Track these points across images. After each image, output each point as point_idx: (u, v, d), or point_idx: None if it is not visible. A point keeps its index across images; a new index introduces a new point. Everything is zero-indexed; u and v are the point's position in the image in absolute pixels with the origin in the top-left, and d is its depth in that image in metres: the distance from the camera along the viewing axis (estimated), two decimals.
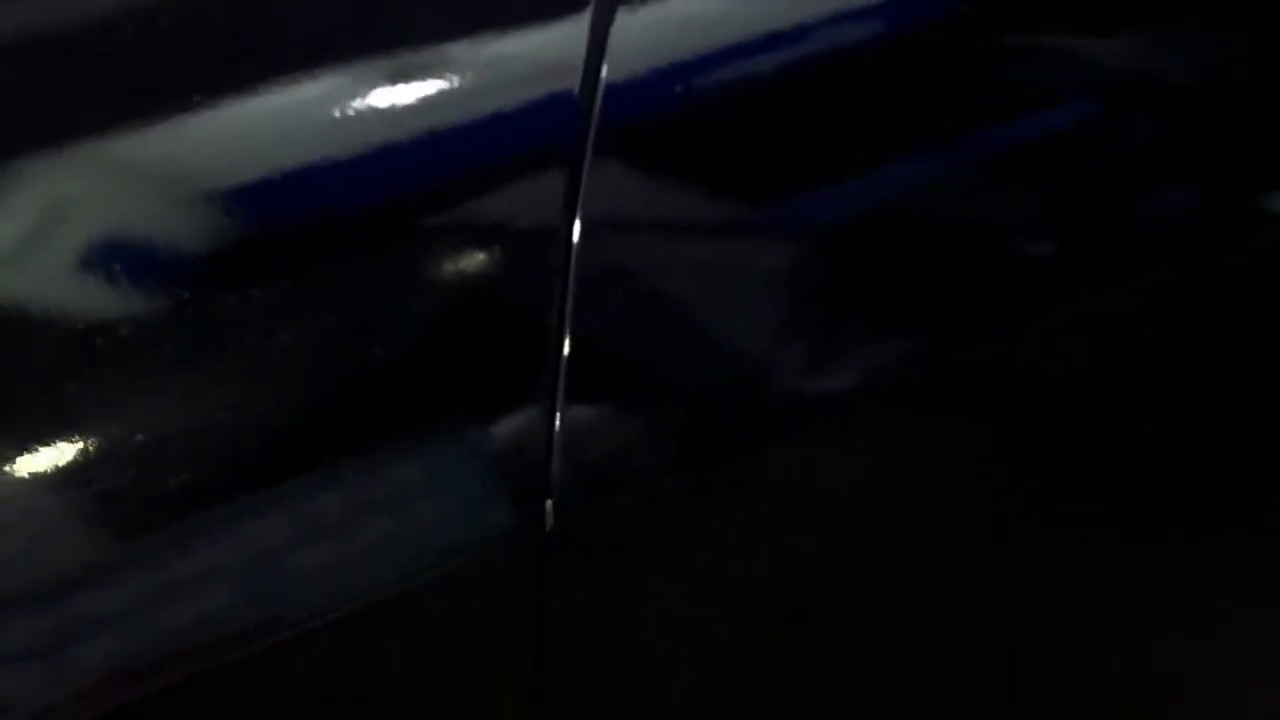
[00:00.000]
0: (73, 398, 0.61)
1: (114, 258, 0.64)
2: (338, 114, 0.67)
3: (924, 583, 0.79)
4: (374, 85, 0.68)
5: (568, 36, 0.70)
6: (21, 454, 0.60)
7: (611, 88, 0.69)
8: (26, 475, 0.60)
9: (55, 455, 0.60)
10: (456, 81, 0.69)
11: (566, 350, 0.66)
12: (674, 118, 0.70)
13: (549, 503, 0.66)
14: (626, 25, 0.70)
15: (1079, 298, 0.77)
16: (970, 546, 0.79)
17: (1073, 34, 0.79)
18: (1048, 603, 0.84)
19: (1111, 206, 0.79)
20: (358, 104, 0.68)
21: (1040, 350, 0.78)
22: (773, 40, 0.72)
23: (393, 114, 0.67)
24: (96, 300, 0.63)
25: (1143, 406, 0.82)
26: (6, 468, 0.60)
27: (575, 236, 0.67)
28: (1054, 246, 0.78)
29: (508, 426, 0.65)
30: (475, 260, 0.66)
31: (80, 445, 0.60)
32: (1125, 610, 0.88)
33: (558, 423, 0.65)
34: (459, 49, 0.70)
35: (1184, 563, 0.89)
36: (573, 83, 0.69)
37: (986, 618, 0.82)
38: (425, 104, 0.68)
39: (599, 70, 0.69)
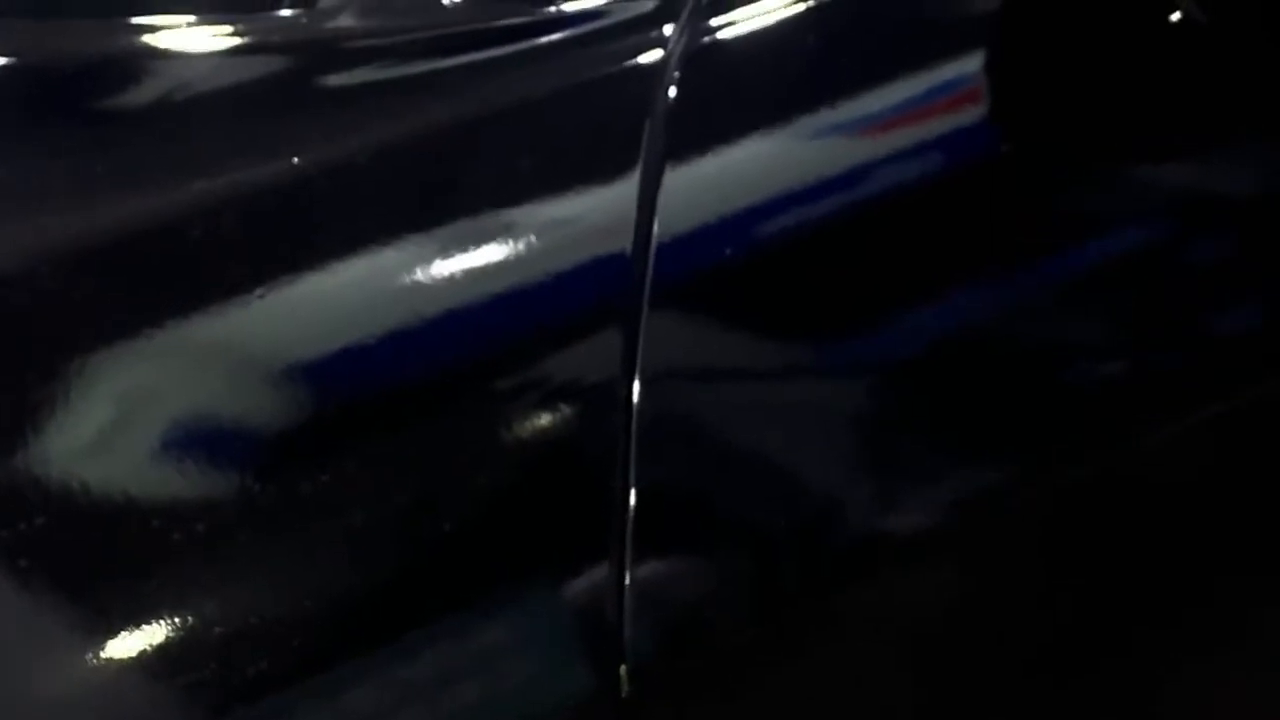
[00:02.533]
0: (150, 591, 0.62)
1: (189, 444, 0.65)
2: (395, 289, 0.68)
3: (1011, 704, 0.78)
4: (431, 259, 0.69)
5: (618, 197, 0.71)
6: (102, 651, 0.61)
7: (662, 245, 0.70)
8: (112, 669, 0.61)
9: (135, 650, 0.61)
10: (512, 251, 0.70)
11: (632, 507, 0.66)
12: (725, 272, 0.71)
13: (623, 668, 0.66)
14: (674, 183, 0.71)
15: (1147, 426, 0.77)
16: (1035, 682, 0.79)
17: (1126, 160, 0.79)
18: None
19: (1178, 332, 0.79)
20: (414, 278, 0.69)
21: (1107, 480, 0.77)
22: (819, 187, 0.73)
23: (450, 286, 0.69)
24: (167, 491, 0.64)
25: (1219, 529, 0.81)
26: (92, 661, 0.61)
27: (635, 393, 0.67)
28: (1121, 373, 0.77)
29: (578, 590, 0.66)
30: (538, 423, 0.67)
31: (159, 639, 0.61)
32: None
33: (627, 582, 0.66)
34: (512, 218, 0.71)
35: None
36: (625, 243, 0.70)
37: None
38: (482, 274, 0.69)
39: (650, 228, 0.70)
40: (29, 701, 0.61)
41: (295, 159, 0.74)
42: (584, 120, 0.76)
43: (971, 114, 0.76)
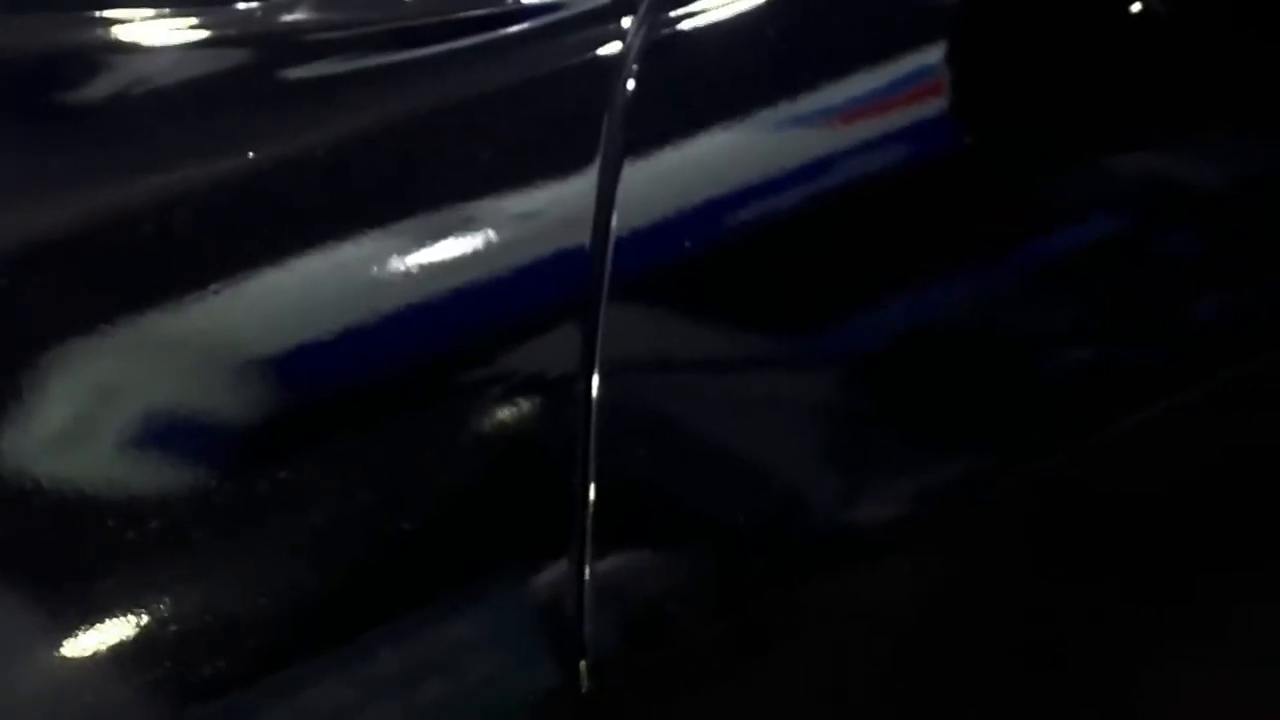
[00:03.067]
0: (106, 590, 0.62)
1: (147, 441, 0.65)
2: (353, 285, 0.68)
3: (966, 711, 0.78)
4: (388, 254, 0.69)
5: (577, 191, 0.71)
6: (66, 642, 0.60)
7: (621, 239, 0.70)
8: (68, 668, 0.60)
9: (96, 645, 0.61)
10: (470, 244, 0.70)
11: (592, 502, 0.66)
12: (685, 263, 0.71)
13: (583, 664, 0.66)
14: (633, 176, 0.71)
15: (1118, 415, 0.77)
16: (1010, 674, 0.79)
17: (1092, 150, 0.79)
18: None
19: (1147, 321, 0.79)
20: (373, 273, 0.69)
21: (1080, 469, 0.77)
22: (781, 181, 0.73)
23: (408, 281, 0.68)
24: (132, 485, 0.64)
25: (1195, 520, 0.81)
26: (48, 660, 0.60)
27: (595, 387, 0.67)
28: (1090, 362, 0.78)
29: (538, 585, 0.65)
30: (497, 418, 0.67)
31: (115, 638, 0.61)
32: None
33: (588, 577, 0.65)
34: (470, 212, 0.71)
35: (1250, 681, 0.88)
36: (584, 237, 0.70)
37: None
38: (439, 269, 0.69)
39: (609, 222, 0.70)
40: (22, 682, 0.60)
41: (250, 154, 0.73)
42: (542, 113, 0.75)
43: (933, 106, 0.76)
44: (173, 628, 0.61)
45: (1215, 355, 0.80)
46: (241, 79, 0.82)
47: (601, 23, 0.78)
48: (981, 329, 0.75)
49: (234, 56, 0.83)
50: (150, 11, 0.83)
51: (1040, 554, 0.78)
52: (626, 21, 0.77)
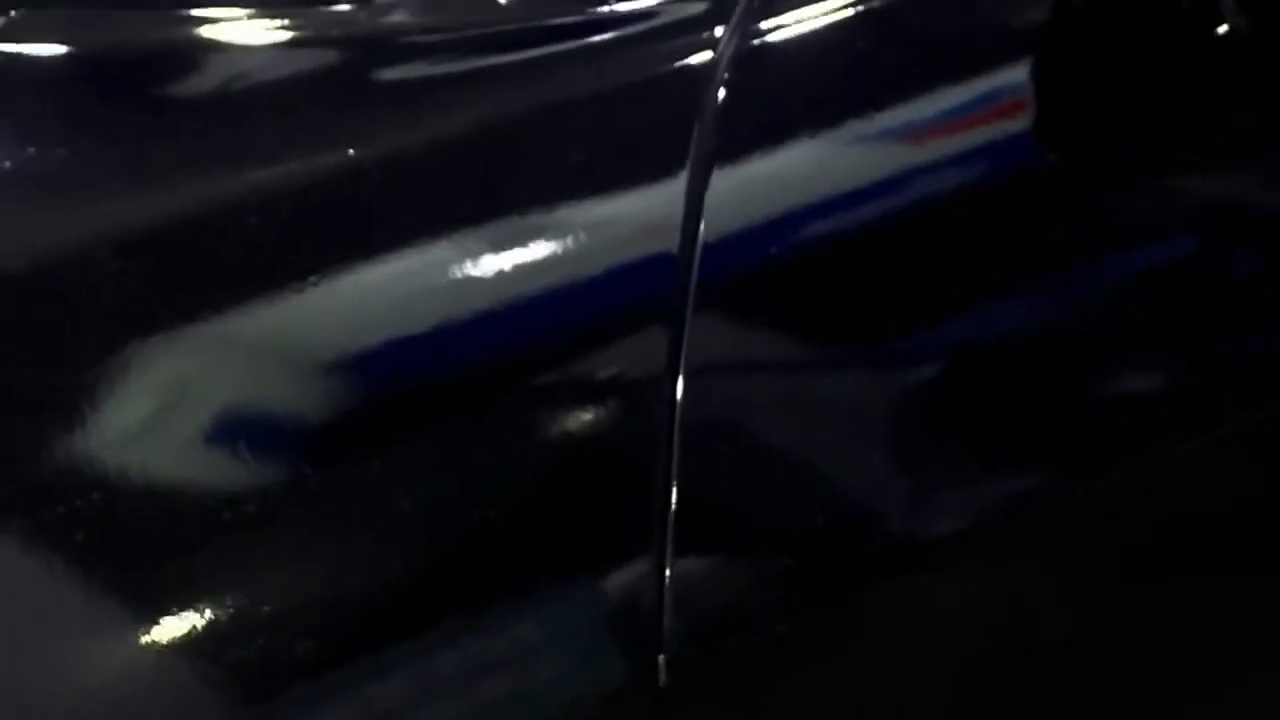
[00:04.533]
0: (200, 569, 0.63)
1: (228, 434, 0.66)
2: (444, 282, 0.69)
3: (1036, 711, 0.79)
4: (479, 254, 0.70)
5: (666, 197, 0.72)
6: (153, 626, 0.62)
7: (709, 246, 0.71)
8: (158, 647, 0.62)
9: (185, 626, 0.62)
10: (560, 246, 0.71)
11: (674, 503, 0.67)
12: (772, 272, 0.72)
13: (661, 658, 0.67)
14: (721, 184, 0.72)
15: (1184, 436, 0.78)
16: (1074, 686, 0.79)
17: (1167, 171, 0.79)
18: None
19: (1216, 344, 0.79)
20: (464, 271, 0.70)
21: (1144, 488, 0.78)
22: (864, 192, 0.74)
23: (498, 281, 0.70)
24: (214, 475, 0.65)
25: (1253, 544, 0.82)
26: (139, 640, 0.62)
27: (679, 390, 0.68)
28: (1156, 384, 0.78)
29: (618, 582, 0.67)
30: (583, 418, 0.68)
31: (208, 617, 0.62)
32: None
33: (668, 575, 0.67)
34: (561, 214, 0.72)
35: None
36: (672, 242, 0.71)
37: None
38: (530, 270, 0.70)
39: (697, 228, 0.71)
40: (83, 674, 0.62)
41: (351, 151, 0.75)
42: (634, 119, 0.76)
43: (1017, 123, 0.77)
44: (264, 609, 0.63)
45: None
46: (340, 79, 0.83)
47: (694, 31, 0.78)
48: (1052, 346, 0.76)
49: (333, 56, 0.85)
50: (252, 10, 0.85)
51: (1099, 572, 0.78)
52: (719, 30, 0.77)
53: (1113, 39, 0.78)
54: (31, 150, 0.78)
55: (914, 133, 0.76)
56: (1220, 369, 0.80)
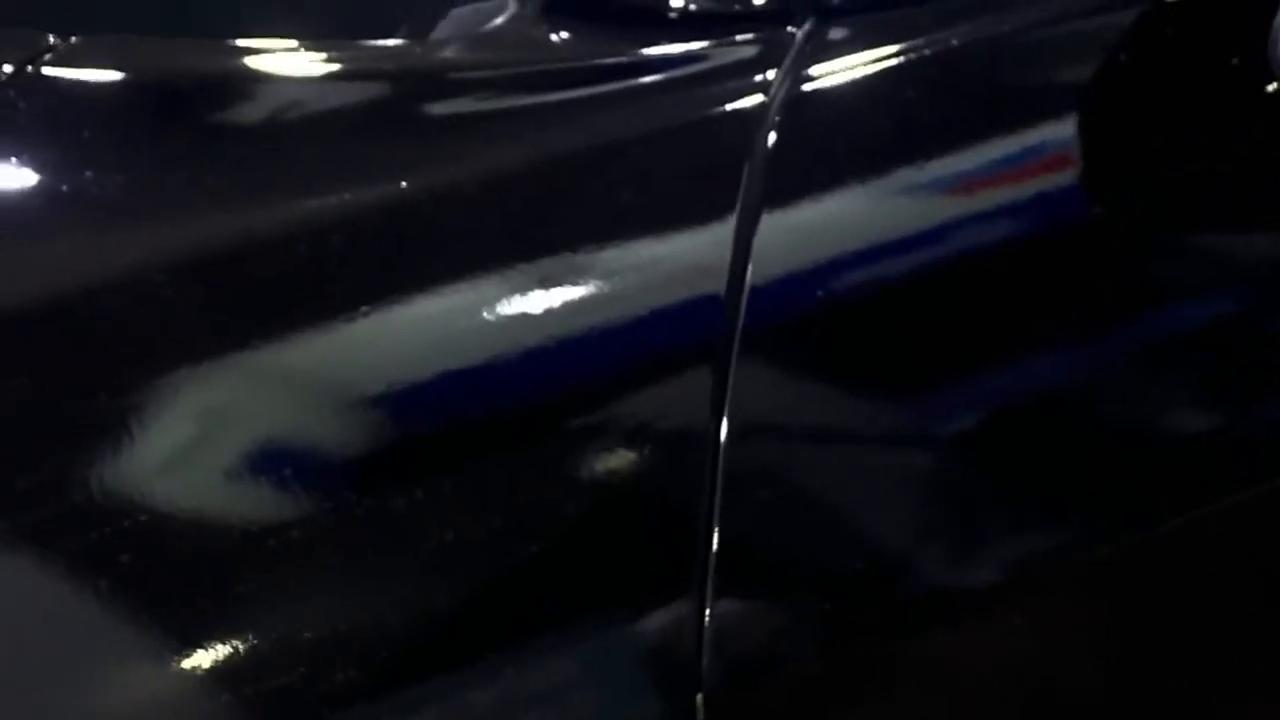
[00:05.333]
0: (243, 595, 0.64)
1: (274, 463, 0.66)
2: (491, 318, 0.70)
3: None
4: (527, 291, 0.71)
5: (714, 239, 0.72)
6: (194, 650, 0.63)
7: (756, 289, 0.71)
8: (200, 671, 0.62)
9: (226, 650, 0.63)
10: (607, 286, 0.72)
11: (715, 544, 0.68)
12: (817, 319, 0.72)
13: (699, 696, 0.67)
14: (770, 230, 0.72)
15: (1221, 493, 0.78)
16: None
17: (1212, 229, 0.80)
18: None
19: (1254, 402, 0.79)
20: (510, 308, 0.70)
21: (1186, 543, 0.78)
22: (912, 242, 0.74)
23: (545, 318, 0.70)
24: (256, 505, 0.66)
25: None
26: (180, 664, 0.63)
27: (723, 435, 0.69)
28: (1194, 443, 0.78)
29: (658, 621, 0.67)
30: (626, 459, 0.68)
31: (250, 642, 0.63)
32: None
33: (707, 615, 0.67)
34: (609, 254, 0.73)
35: None
36: (719, 286, 0.71)
37: None
38: (577, 308, 0.71)
39: (744, 272, 0.71)
40: (123, 698, 0.63)
41: (401, 184, 0.75)
42: (683, 160, 0.77)
43: (1064, 176, 0.77)
44: (305, 635, 0.63)
45: None
46: (391, 112, 0.84)
47: (745, 74, 0.79)
48: (1094, 400, 0.76)
49: (385, 90, 0.85)
50: (306, 43, 0.86)
51: (1140, 628, 0.78)
52: (771, 74, 0.78)
53: (1162, 95, 0.78)
54: (87, 174, 0.79)
55: (962, 183, 0.76)
56: (1261, 426, 0.80)
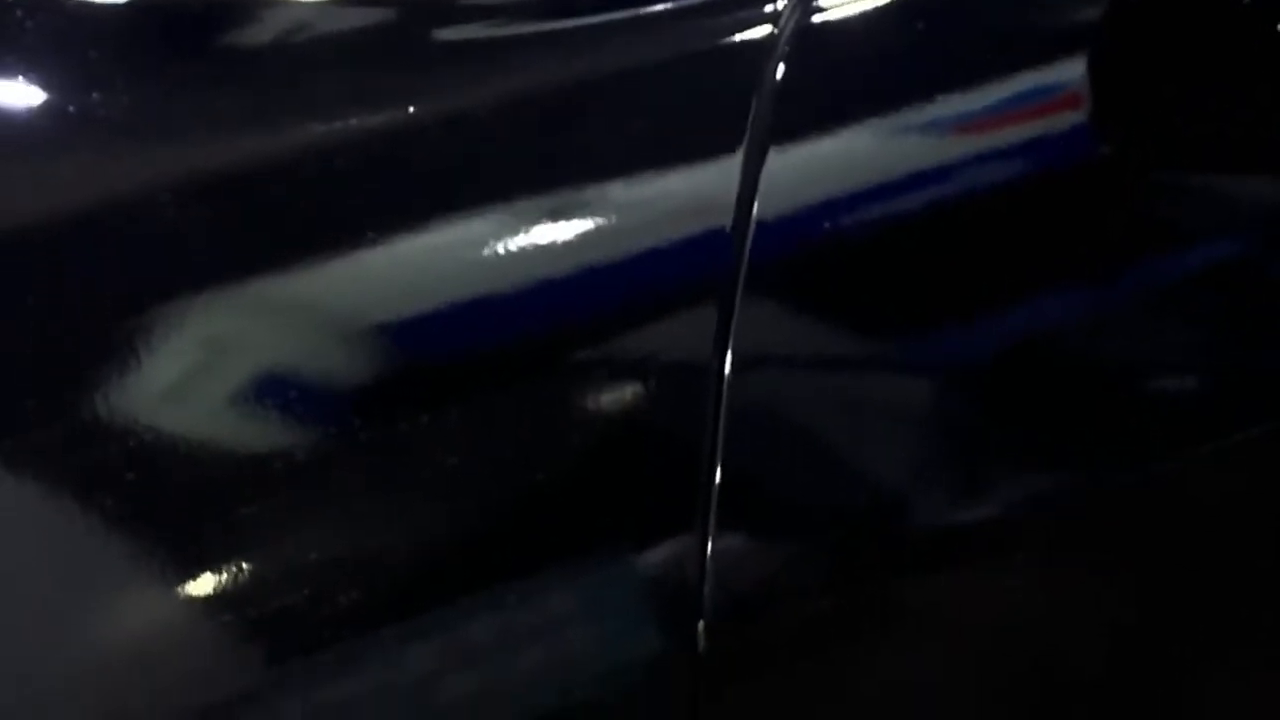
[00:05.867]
0: (249, 517, 0.64)
1: (282, 388, 0.67)
2: (499, 248, 0.70)
3: (1064, 711, 0.79)
4: (533, 221, 0.71)
5: (720, 175, 0.72)
6: (200, 570, 0.63)
7: (763, 224, 0.71)
8: (205, 590, 0.63)
9: (231, 571, 0.63)
10: (614, 218, 0.72)
11: (718, 479, 0.68)
12: (823, 255, 0.72)
13: (701, 625, 0.67)
14: (777, 164, 0.72)
15: (1223, 433, 0.78)
16: (1109, 677, 0.80)
17: (1220, 171, 0.79)
18: None
19: (1259, 344, 0.79)
20: (518, 238, 0.70)
21: (1188, 484, 0.78)
22: (920, 179, 0.74)
23: (551, 249, 0.70)
24: (261, 430, 0.66)
25: None
26: (185, 583, 0.63)
27: (727, 369, 0.69)
28: (1197, 384, 0.78)
29: (662, 552, 0.67)
30: (632, 391, 0.68)
31: (256, 563, 0.63)
32: None
33: (710, 548, 0.67)
34: (615, 185, 0.73)
35: None
36: (725, 220, 0.71)
37: None
38: (583, 240, 0.71)
39: (751, 207, 0.71)
40: (128, 616, 0.63)
41: (410, 110, 0.75)
42: (692, 91, 0.76)
43: (1075, 116, 0.77)
44: (311, 557, 0.63)
45: None
46: (400, 37, 0.83)
47: (754, 5, 0.78)
48: (1099, 340, 0.76)
49: (394, 14, 0.85)
50: None
51: (1142, 567, 0.78)
52: (781, 4, 0.77)
53: (1172, 35, 0.78)
54: (94, 95, 0.78)
55: (972, 120, 0.76)
56: (1263, 369, 0.80)
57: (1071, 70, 0.78)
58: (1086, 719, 0.80)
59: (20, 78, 0.79)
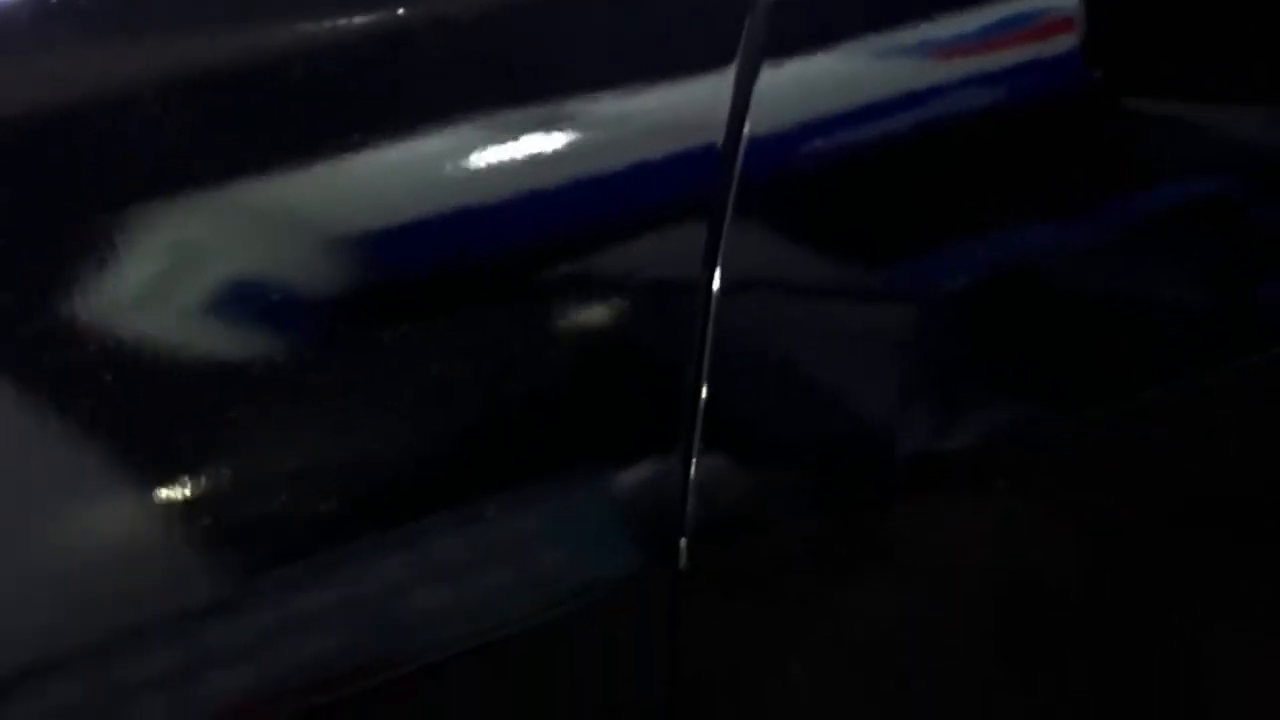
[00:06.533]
0: (226, 422, 0.63)
1: (259, 294, 0.66)
2: (485, 158, 0.69)
3: (1045, 638, 0.80)
4: (518, 134, 0.70)
5: (712, 90, 0.71)
6: (175, 474, 0.62)
7: (754, 142, 0.70)
8: (181, 494, 0.62)
9: (208, 476, 0.63)
10: (601, 133, 0.71)
11: (703, 398, 0.68)
12: (814, 175, 0.72)
13: (683, 541, 0.67)
14: (770, 80, 0.72)
15: (1204, 367, 0.78)
16: (1089, 610, 0.80)
17: (1207, 106, 0.79)
18: (1166, 668, 0.84)
19: (1236, 282, 0.79)
20: (504, 150, 0.69)
21: (1159, 417, 0.78)
22: (911, 102, 0.74)
23: (538, 162, 0.69)
24: (239, 335, 0.65)
25: (1260, 475, 0.82)
26: (159, 488, 0.62)
27: (715, 288, 0.69)
28: (1180, 316, 0.78)
29: (644, 469, 0.67)
30: (617, 308, 0.68)
31: (231, 468, 0.63)
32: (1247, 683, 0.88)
33: (693, 466, 0.67)
34: (603, 101, 0.72)
35: None
36: (716, 136, 0.70)
37: (1104, 678, 0.83)
38: (569, 154, 0.70)
39: (742, 124, 0.71)
40: (102, 523, 0.62)
41: (399, 10, 0.74)
42: (684, 5, 0.75)
43: (1068, 40, 0.76)
44: (289, 464, 0.63)
45: None
46: None
47: None
48: (1081, 272, 0.76)
49: None
50: None
51: (1124, 495, 0.78)
52: None
53: None
54: None
55: (967, 43, 0.75)
56: (1240, 302, 0.80)
57: None
58: (1069, 648, 0.80)
59: None
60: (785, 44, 0.73)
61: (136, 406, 0.63)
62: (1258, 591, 0.84)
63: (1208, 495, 0.81)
